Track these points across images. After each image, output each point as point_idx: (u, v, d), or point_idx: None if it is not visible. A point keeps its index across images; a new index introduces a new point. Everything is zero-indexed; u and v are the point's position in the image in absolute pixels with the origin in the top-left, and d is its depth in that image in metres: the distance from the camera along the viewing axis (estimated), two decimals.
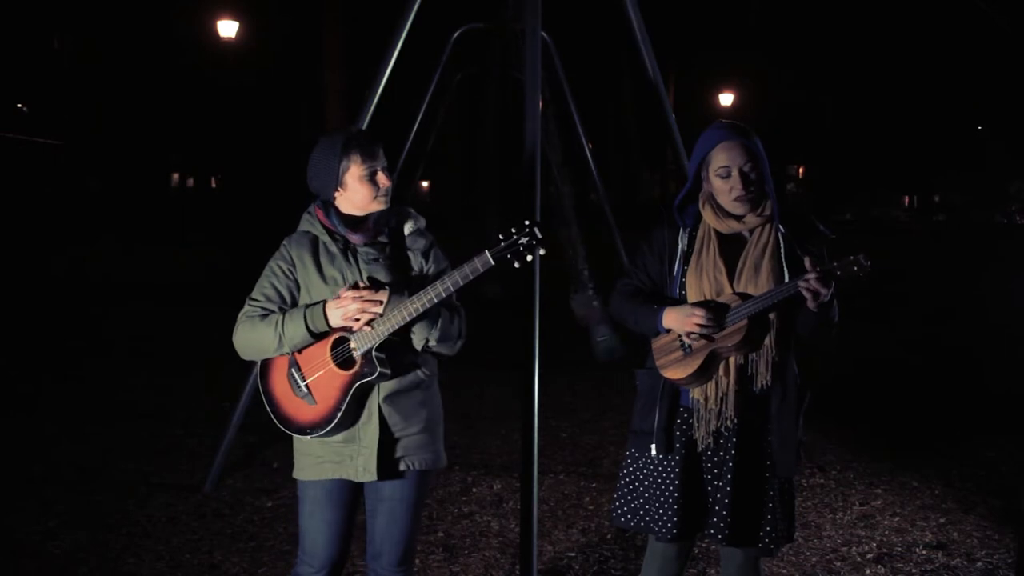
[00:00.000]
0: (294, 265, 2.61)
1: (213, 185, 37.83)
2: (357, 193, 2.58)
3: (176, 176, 41.06)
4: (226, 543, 4.09)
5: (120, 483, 4.84)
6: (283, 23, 25.65)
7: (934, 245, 24.54)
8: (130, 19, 28.28)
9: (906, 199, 49.29)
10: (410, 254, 2.67)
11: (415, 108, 8.18)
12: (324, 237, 2.61)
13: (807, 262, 2.41)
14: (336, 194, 2.60)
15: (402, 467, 2.61)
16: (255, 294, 2.62)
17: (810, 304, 2.41)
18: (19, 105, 32.40)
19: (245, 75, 26.10)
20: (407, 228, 2.69)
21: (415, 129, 8.07)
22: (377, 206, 2.60)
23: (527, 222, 2.36)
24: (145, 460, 5.24)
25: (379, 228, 2.63)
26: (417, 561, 3.88)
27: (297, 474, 2.67)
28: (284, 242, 2.65)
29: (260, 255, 2.74)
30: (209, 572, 3.81)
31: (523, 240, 2.35)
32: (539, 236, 2.35)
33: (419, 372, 2.64)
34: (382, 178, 2.59)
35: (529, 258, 2.35)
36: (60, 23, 30.58)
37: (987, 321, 10.48)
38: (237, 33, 19.93)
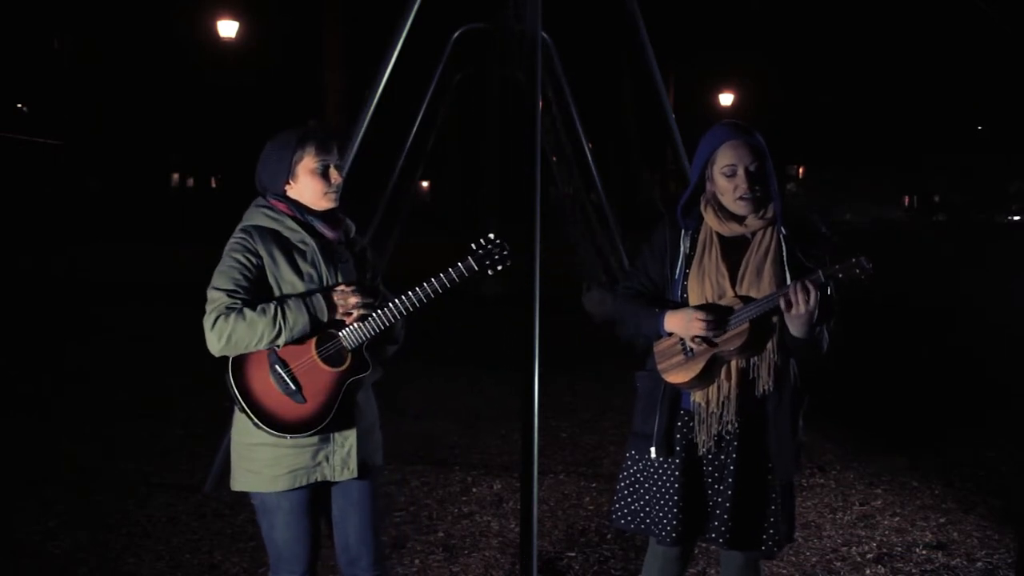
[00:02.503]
0: (261, 259, 2.51)
1: (213, 185, 37.82)
2: (307, 187, 2.55)
3: (176, 176, 41.05)
4: (226, 543, 4.09)
5: (120, 483, 4.84)
6: (283, 23, 25.65)
7: (934, 245, 24.52)
8: (130, 19, 28.28)
9: (906, 199, 49.28)
10: (363, 255, 2.70)
11: (415, 108, 8.17)
12: (292, 234, 2.55)
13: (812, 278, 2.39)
14: (286, 187, 2.56)
15: (368, 463, 2.63)
16: (228, 286, 2.47)
17: (785, 313, 2.40)
18: (19, 105, 32.40)
19: (245, 75, 26.10)
20: (351, 231, 2.71)
21: (415, 129, 8.07)
22: (327, 203, 2.57)
23: (493, 236, 2.60)
24: (145, 460, 5.24)
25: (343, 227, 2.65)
26: (417, 561, 3.89)
27: (258, 487, 2.56)
28: (242, 236, 2.53)
29: None
30: (209, 572, 3.81)
31: (496, 251, 2.58)
32: (507, 249, 2.59)
33: (380, 370, 2.66)
34: (334, 174, 2.57)
35: (500, 268, 2.59)
36: (60, 23, 30.57)
37: (987, 321, 10.47)
38: (237, 33, 19.91)
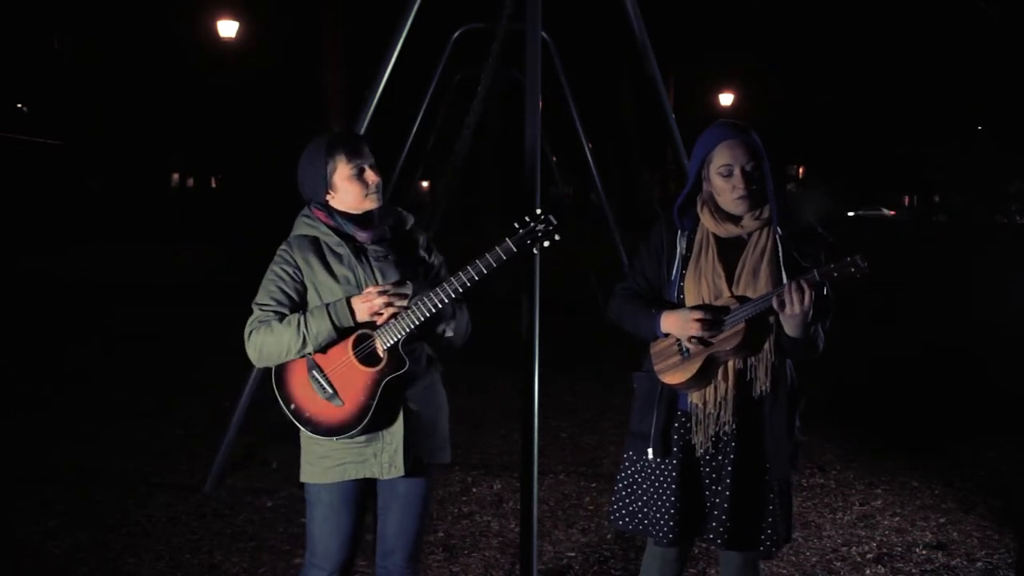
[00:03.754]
0: (299, 268, 2.57)
1: (213, 185, 37.85)
2: (348, 193, 2.56)
3: (176, 176, 41.11)
4: (226, 543, 4.09)
5: (120, 483, 4.84)
6: (283, 23, 25.63)
7: (934, 245, 24.52)
8: (130, 19, 28.29)
9: (906, 199, 49.30)
10: (413, 250, 2.68)
11: (415, 108, 8.18)
12: (328, 238, 2.59)
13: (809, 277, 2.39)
14: (328, 197, 2.59)
15: (425, 461, 2.63)
16: (263, 300, 2.56)
17: (780, 313, 2.39)
18: (19, 105, 32.41)
19: (245, 75, 26.09)
20: (406, 225, 2.71)
21: (415, 129, 8.07)
22: (370, 204, 2.59)
23: (539, 211, 2.50)
24: (145, 460, 5.24)
25: (383, 225, 2.63)
26: None
27: (312, 478, 2.61)
28: (283, 247, 2.61)
29: (260, 255, 2.74)
30: (209, 572, 3.81)
31: (540, 227, 2.49)
32: (554, 222, 2.50)
33: (435, 364, 2.67)
34: (371, 175, 2.58)
35: (547, 244, 2.51)
36: (60, 23, 30.59)
37: (987, 321, 10.47)
38: (237, 33, 19.90)
